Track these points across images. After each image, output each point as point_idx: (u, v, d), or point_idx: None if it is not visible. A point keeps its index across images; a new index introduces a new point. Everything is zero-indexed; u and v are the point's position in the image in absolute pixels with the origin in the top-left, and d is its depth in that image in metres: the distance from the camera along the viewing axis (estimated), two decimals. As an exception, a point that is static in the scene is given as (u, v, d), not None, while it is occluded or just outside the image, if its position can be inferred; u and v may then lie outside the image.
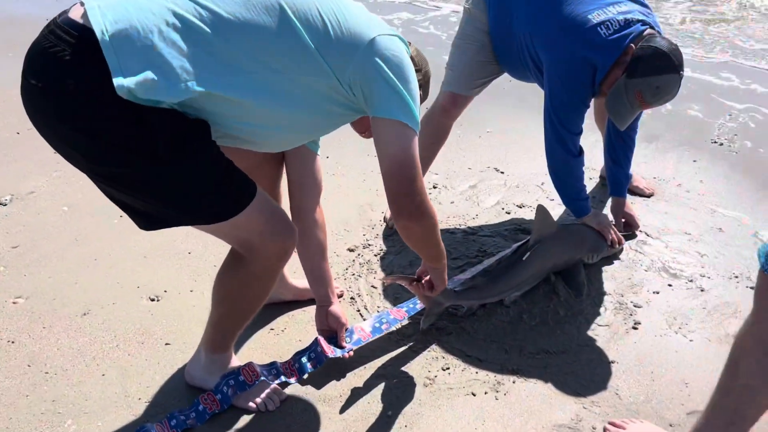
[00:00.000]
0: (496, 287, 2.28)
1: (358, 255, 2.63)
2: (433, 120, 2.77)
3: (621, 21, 2.21)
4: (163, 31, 1.35)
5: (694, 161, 3.51)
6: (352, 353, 2.03)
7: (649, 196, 3.11)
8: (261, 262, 1.65)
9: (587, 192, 2.58)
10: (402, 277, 2.10)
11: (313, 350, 1.99)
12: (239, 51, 1.40)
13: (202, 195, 1.51)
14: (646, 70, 2.16)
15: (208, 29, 1.38)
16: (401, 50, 1.54)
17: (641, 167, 3.42)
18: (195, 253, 2.62)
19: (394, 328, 2.19)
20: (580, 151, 2.46)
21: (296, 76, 1.46)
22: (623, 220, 2.76)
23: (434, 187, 3.19)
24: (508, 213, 2.98)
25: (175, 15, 1.37)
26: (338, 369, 2.03)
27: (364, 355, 2.10)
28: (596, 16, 2.21)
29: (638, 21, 2.23)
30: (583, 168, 2.50)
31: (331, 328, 2.05)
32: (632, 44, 2.18)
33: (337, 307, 2.06)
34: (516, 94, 4.00)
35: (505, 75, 2.75)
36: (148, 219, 1.55)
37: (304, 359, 1.98)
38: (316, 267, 2.04)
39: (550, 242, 2.40)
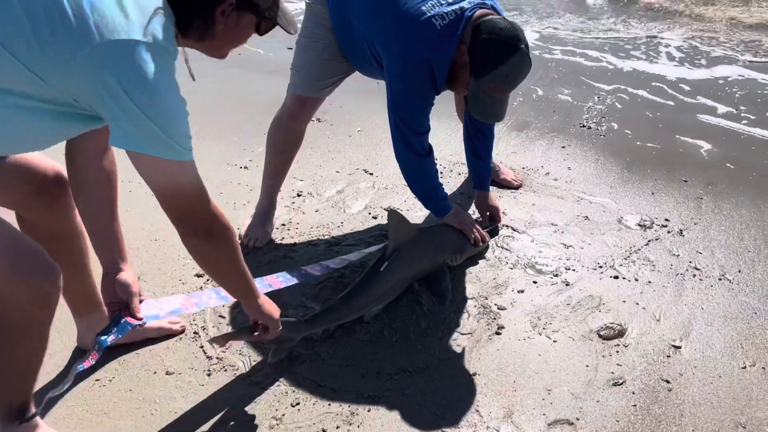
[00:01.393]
0: (352, 305, 2.11)
1: (207, 281, 2.39)
2: (282, 126, 2.56)
3: (457, 11, 2.07)
4: None
5: (563, 147, 3.50)
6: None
7: (517, 187, 3.05)
8: (16, 313, 1.39)
9: (445, 190, 2.45)
10: (236, 335, 1.90)
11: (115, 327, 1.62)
12: None
13: None
14: (488, 63, 2.04)
15: None
16: (149, 63, 1.18)
17: (511, 158, 3.36)
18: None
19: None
20: (429, 150, 2.32)
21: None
22: (488, 213, 2.68)
23: (298, 195, 2.99)
24: (375, 218, 2.82)
25: None
26: (169, 413, 1.79)
27: (202, 396, 1.87)
28: (430, 8, 2.06)
29: (472, 6, 2.10)
30: (436, 166, 2.40)
31: (120, 299, 1.65)
32: (463, 43, 2.06)
33: (128, 274, 1.65)
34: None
35: None
36: None
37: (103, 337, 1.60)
38: (101, 228, 1.62)
39: (408, 248, 2.25)
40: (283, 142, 2.59)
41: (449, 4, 2.08)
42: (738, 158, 3.39)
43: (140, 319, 1.62)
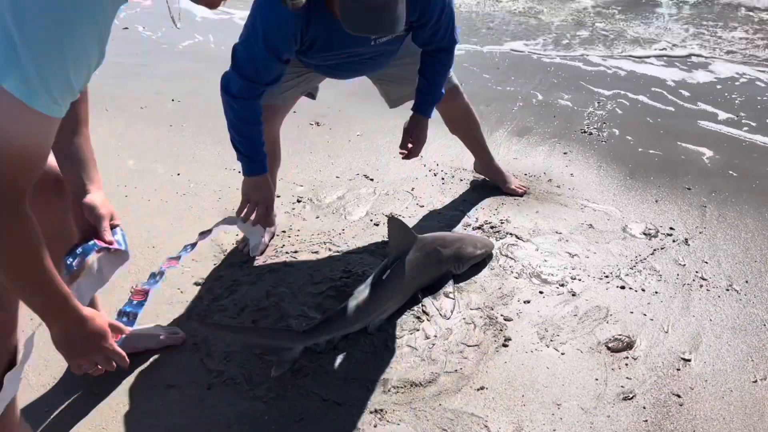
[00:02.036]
0: (353, 316, 2.06)
1: (207, 290, 2.33)
2: None
3: None
4: None
5: (565, 153, 3.47)
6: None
7: (522, 195, 3.01)
8: None
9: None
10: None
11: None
12: None
13: None
14: None
15: None
16: None
17: (513, 164, 3.33)
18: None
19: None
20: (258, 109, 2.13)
21: None
22: (410, 143, 2.49)
23: (298, 201, 2.94)
24: (377, 225, 2.77)
25: None
26: (169, 428, 1.74)
27: (202, 411, 1.82)
28: None
29: None
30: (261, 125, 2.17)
31: (88, 225, 1.51)
32: None
33: (95, 196, 1.50)
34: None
35: None
36: None
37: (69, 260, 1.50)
38: (64, 143, 1.45)
39: (410, 257, 2.21)
40: None
41: None
42: (740, 166, 3.37)
43: (110, 242, 1.49)
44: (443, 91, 2.49)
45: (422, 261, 2.25)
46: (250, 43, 2.01)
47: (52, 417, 1.80)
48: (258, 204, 2.21)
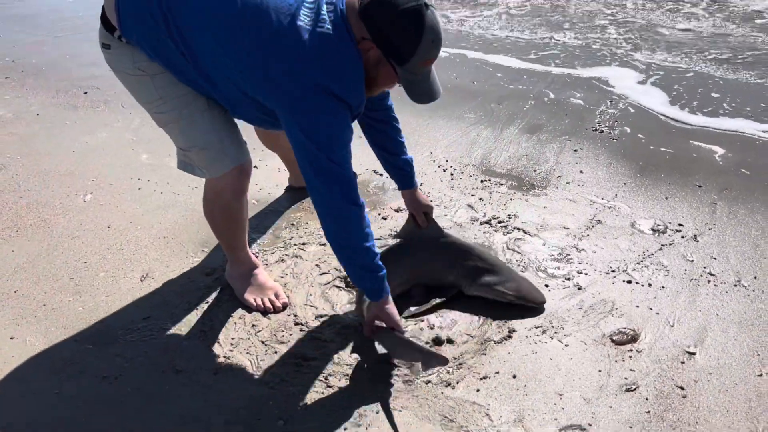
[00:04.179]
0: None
1: (216, 279, 2.37)
2: (225, 210, 2.13)
3: (323, 8, 1.68)
4: None
5: (575, 151, 3.47)
6: None
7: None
8: None
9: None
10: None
11: None
12: None
13: None
14: (408, 43, 1.63)
15: None
16: None
17: (522, 161, 3.34)
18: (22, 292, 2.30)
19: None
20: (362, 203, 1.85)
21: None
22: (423, 213, 2.33)
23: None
24: (385, 219, 2.80)
25: None
26: (177, 412, 1.77)
27: (209, 395, 1.85)
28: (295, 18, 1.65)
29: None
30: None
31: None
32: (363, 39, 1.67)
33: None
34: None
35: None
36: None
37: None
38: None
39: (418, 244, 2.26)
40: (234, 221, 2.18)
41: (307, 7, 1.67)
42: (753, 164, 3.34)
43: None
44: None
45: (429, 255, 2.26)
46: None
47: (60, 403, 1.84)
48: (394, 327, 1.93)
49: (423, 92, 1.77)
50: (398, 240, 2.26)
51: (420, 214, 2.32)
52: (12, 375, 1.94)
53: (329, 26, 1.65)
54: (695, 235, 2.68)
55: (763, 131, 3.75)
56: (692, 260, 2.52)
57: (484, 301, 2.23)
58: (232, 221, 2.16)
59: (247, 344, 2.06)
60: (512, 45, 5.59)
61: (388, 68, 1.71)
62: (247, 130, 2.19)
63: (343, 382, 1.91)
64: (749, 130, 3.76)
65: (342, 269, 2.39)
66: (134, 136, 3.58)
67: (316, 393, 1.87)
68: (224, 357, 2.00)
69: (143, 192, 2.99)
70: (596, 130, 3.74)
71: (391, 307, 1.93)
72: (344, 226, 1.80)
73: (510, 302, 2.19)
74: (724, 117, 3.94)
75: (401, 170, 2.26)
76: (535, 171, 3.23)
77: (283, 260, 2.48)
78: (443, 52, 5.36)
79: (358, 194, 1.80)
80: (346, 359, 2.00)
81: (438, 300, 2.22)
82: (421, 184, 3.06)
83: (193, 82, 1.84)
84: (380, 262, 1.87)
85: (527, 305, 2.19)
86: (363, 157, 3.33)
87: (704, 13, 6.52)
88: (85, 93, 4.37)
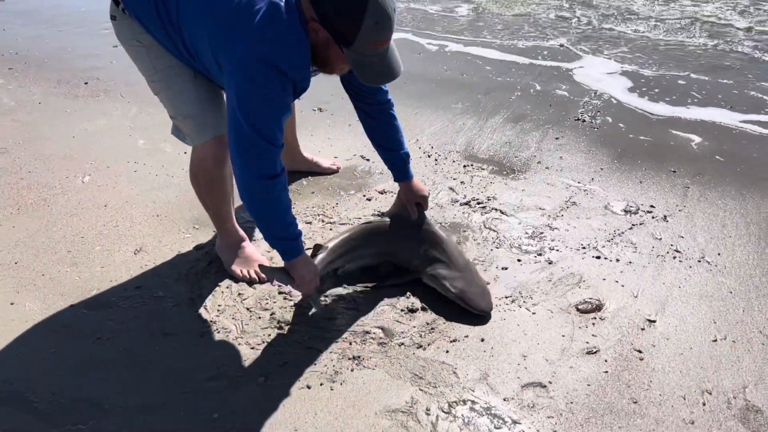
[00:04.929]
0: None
1: (206, 253, 2.50)
2: (209, 178, 2.24)
3: None
4: None
5: (557, 138, 3.59)
6: None
7: (337, 171, 3.14)
8: None
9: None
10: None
11: None
12: None
13: None
14: (349, 25, 1.66)
15: None
16: None
17: (504, 148, 3.46)
18: (23, 263, 2.43)
19: None
20: (283, 169, 1.90)
21: None
22: (416, 203, 2.37)
23: (296, 178, 3.10)
24: (369, 200, 2.93)
25: None
26: (163, 370, 1.91)
27: (195, 355, 1.98)
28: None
29: None
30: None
31: None
32: (311, 19, 1.71)
33: None
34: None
35: None
36: None
37: None
38: None
39: (394, 223, 2.38)
40: (216, 190, 2.29)
41: None
42: (728, 151, 3.46)
43: None
44: None
45: (400, 237, 2.36)
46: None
47: (52, 360, 1.98)
48: (310, 282, 2.06)
49: (374, 74, 1.78)
50: (383, 218, 2.37)
51: (412, 205, 2.37)
52: (11, 336, 2.07)
53: (282, 5, 1.72)
54: (665, 216, 2.80)
55: (741, 121, 3.86)
56: (660, 238, 2.64)
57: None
58: (216, 190, 2.27)
59: (233, 311, 2.18)
60: (501, 38, 5.70)
61: (337, 49, 1.74)
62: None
63: (322, 345, 2.03)
64: (727, 120, 3.87)
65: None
66: (132, 123, 3.71)
67: (295, 353, 2.00)
68: (211, 321, 2.13)
69: (139, 174, 3.12)
70: (579, 119, 3.86)
71: (304, 258, 2.02)
72: (260, 202, 1.90)
73: (454, 300, 2.20)
74: (705, 107, 4.06)
75: (394, 165, 2.34)
76: (516, 157, 3.36)
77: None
78: (431, 44, 5.48)
79: (277, 164, 1.85)
80: (325, 325, 2.12)
81: (395, 280, 2.31)
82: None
83: (179, 53, 2.00)
84: (297, 229, 1.97)
85: (469, 310, 2.16)
86: (350, 143, 3.47)
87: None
88: (86, 83, 4.51)
